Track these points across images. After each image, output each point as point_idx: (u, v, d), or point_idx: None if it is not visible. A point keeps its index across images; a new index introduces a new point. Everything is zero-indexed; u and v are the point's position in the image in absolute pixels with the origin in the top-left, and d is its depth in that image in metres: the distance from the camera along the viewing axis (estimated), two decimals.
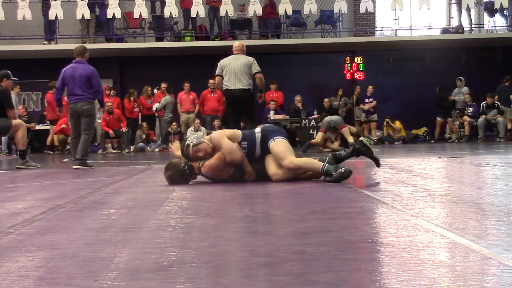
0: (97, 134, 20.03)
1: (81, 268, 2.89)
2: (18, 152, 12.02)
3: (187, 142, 6.90)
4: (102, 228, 4.01)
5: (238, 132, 7.10)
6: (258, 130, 7.14)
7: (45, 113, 20.49)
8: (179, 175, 6.88)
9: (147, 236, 3.72)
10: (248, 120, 11.82)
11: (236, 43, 12.31)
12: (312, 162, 7.01)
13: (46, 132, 20.19)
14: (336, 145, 15.64)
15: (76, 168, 10.64)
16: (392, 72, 22.86)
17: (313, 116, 19.31)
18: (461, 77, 21.40)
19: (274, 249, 3.22)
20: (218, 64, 11.69)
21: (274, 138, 6.99)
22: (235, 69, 11.59)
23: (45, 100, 20.07)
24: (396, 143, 20.18)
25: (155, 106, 20.10)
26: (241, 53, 11.81)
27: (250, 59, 11.76)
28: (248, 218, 4.34)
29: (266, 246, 3.30)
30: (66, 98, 12.41)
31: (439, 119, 21.02)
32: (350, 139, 15.39)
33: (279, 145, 6.95)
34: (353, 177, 6.93)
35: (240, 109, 11.66)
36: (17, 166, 11.42)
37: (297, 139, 20.06)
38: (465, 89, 21.22)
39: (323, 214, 4.43)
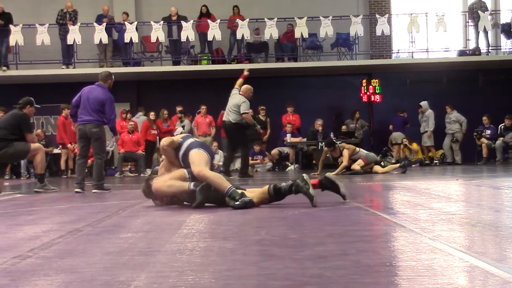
0: (115, 157, 20.13)
1: None
2: (36, 176, 12.07)
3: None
4: (120, 252, 4.02)
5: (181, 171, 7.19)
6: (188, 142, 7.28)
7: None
8: (149, 191, 7.19)
9: (165, 259, 3.72)
10: (241, 146, 15.15)
11: (245, 86, 14.97)
12: (221, 181, 6.93)
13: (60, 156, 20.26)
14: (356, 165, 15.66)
15: (94, 192, 10.68)
16: (408, 94, 22.83)
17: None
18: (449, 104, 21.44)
19: (291, 273, 3.21)
20: None
21: (198, 149, 7.11)
22: (229, 105, 14.92)
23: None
24: (413, 165, 20.10)
25: (179, 130, 20.17)
26: (240, 93, 14.77)
27: (241, 100, 14.67)
28: (265, 241, 4.33)
29: (283, 270, 3.29)
30: None
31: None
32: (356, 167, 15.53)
33: (198, 155, 7.06)
34: (370, 200, 6.89)
35: (231, 137, 15.19)
36: (35, 189, 11.48)
37: (313, 161, 20.06)
38: (455, 115, 21.23)
39: (341, 237, 4.42)
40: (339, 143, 16.70)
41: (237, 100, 14.76)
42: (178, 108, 20.57)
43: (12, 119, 11.50)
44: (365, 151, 16.29)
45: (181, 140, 7.32)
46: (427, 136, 21.22)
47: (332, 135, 20.23)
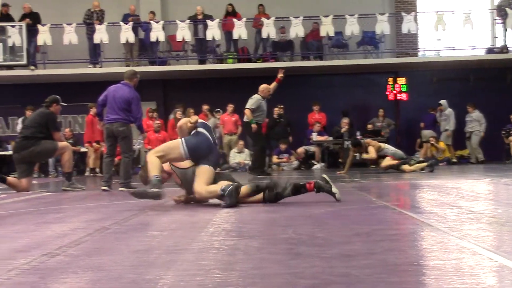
0: (141, 156, 20.22)
1: None
2: (64, 174, 12.16)
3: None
4: (147, 250, 4.04)
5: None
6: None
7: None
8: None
9: (192, 258, 3.73)
10: (253, 143, 15.71)
11: (262, 85, 14.91)
12: (213, 190, 7.04)
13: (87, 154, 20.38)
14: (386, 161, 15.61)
15: (121, 190, 10.73)
16: (435, 93, 22.66)
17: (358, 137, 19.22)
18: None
19: (318, 272, 3.20)
20: None
21: (206, 164, 7.13)
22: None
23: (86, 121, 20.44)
24: (440, 164, 19.96)
25: None
26: (258, 93, 14.77)
27: (251, 97, 14.82)
28: (292, 240, 4.33)
29: (310, 269, 3.29)
30: None
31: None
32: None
33: (206, 172, 7.12)
34: (397, 198, 6.87)
35: (248, 135, 16.03)
36: (63, 188, 11.57)
37: (339, 160, 20.01)
38: (476, 115, 21.12)
39: (368, 236, 4.41)
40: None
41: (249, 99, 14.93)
42: (205, 107, 20.60)
43: (39, 118, 11.59)
44: (392, 148, 16.20)
45: (197, 126, 7.36)
46: (447, 135, 21.10)
47: (358, 133, 20.15)
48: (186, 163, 7.31)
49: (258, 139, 15.02)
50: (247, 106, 14.72)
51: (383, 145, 16.13)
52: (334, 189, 7.03)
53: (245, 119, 14.96)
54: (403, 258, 3.56)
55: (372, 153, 15.75)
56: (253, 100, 14.69)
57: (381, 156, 15.80)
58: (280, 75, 14.91)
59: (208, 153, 7.20)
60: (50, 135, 11.47)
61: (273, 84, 14.93)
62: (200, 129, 7.30)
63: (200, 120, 7.53)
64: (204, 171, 7.12)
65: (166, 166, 7.39)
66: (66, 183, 11.61)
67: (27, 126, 11.72)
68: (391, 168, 15.44)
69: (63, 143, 11.85)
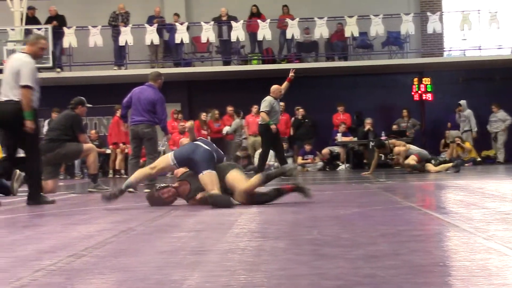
0: None
1: None
2: (89, 176, 12.23)
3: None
4: (172, 251, 4.05)
5: None
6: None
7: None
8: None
9: (217, 259, 3.74)
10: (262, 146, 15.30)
11: (273, 86, 14.79)
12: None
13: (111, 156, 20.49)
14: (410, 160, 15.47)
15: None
16: (461, 93, 22.51)
17: (382, 138, 19.14)
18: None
19: (343, 273, 3.20)
20: None
21: (208, 169, 7.37)
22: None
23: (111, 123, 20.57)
24: (466, 164, 19.82)
25: (226, 129, 20.23)
26: (270, 94, 14.66)
27: (263, 100, 14.65)
28: (317, 241, 4.32)
29: (335, 270, 3.28)
30: None
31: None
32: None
33: (209, 177, 7.37)
34: (422, 199, 6.84)
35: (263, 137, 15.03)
36: (89, 189, 11.64)
37: (364, 161, 19.95)
38: (502, 114, 20.97)
39: (393, 237, 4.39)
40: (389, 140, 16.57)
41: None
42: (229, 108, 20.64)
43: (64, 120, 11.65)
44: (417, 148, 16.11)
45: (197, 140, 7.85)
46: (472, 137, 20.96)
47: (383, 134, 20.07)
48: (181, 170, 7.99)
49: (269, 143, 14.76)
50: (261, 109, 14.58)
51: (408, 145, 16.03)
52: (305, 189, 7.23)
53: (260, 121, 14.80)
54: (429, 259, 3.54)
55: (411, 160, 15.55)
56: (266, 102, 14.52)
57: (406, 156, 15.69)
58: (291, 74, 14.81)
59: (204, 160, 7.44)
60: (76, 137, 11.53)
61: (285, 84, 14.74)
62: (198, 142, 7.74)
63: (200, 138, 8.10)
64: (207, 179, 7.36)
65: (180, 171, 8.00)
66: (92, 185, 11.68)
67: (52, 128, 11.79)
68: (415, 170, 15.26)
69: (88, 145, 11.88)
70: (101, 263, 3.72)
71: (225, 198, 7.13)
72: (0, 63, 20.39)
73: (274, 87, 14.62)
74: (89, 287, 3.04)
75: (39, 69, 21.71)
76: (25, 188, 11.47)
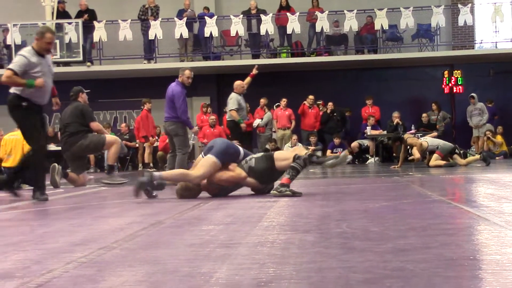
0: (196, 151, 20.33)
1: (182, 283, 2.94)
2: (107, 166, 12.02)
3: None
4: (201, 244, 4.07)
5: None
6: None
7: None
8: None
9: (246, 252, 3.75)
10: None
11: (236, 82, 14.38)
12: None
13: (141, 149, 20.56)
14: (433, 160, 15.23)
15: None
16: (492, 86, 22.32)
17: (410, 132, 19.03)
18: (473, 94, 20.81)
19: (372, 266, 3.19)
20: None
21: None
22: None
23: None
24: (497, 158, 19.65)
25: (257, 121, 20.23)
26: (234, 91, 14.18)
27: (229, 97, 14.24)
28: (346, 234, 4.31)
29: (364, 263, 3.28)
30: None
31: None
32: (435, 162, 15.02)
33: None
34: (452, 193, 6.80)
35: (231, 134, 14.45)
36: (102, 181, 11.45)
37: (394, 154, 19.83)
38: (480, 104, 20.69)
39: (423, 231, 4.37)
40: (419, 135, 16.40)
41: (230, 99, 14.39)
42: (262, 100, 20.62)
43: (75, 111, 11.61)
44: (436, 142, 15.72)
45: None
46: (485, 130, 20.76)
47: (412, 127, 19.97)
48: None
49: (243, 138, 14.28)
50: (230, 108, 14.16)
51: (424, 142, 15.61)
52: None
53: (228, 117, 14.47)
54: (459, 253, 3.52)
55: (416, 154, 15.46)
56: (233, 100, 14.11)
57: (430, 151, 15.38)
58: (254, 71, 14.70)
59: (219, 147, 7.82)
60: (90, 129, 11.53)
61: (247, 79, 14.46)
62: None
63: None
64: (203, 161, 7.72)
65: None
66: (106, 176, 11.56)
67: (68, 123, 11.69)
68: (441, 167, 14.87)
69: (112, 137, 11.84)
70: (131, 255, 3.75)
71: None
72: None
73: (237, 83, 14.29)
74: (119, 279, 3.06)
75: (70, 63, 22.00)
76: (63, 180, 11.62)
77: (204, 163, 7.69)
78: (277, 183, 7.60)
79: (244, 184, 7.84)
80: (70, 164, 11.72)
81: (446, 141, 16.02)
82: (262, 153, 8.30)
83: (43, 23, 21.27)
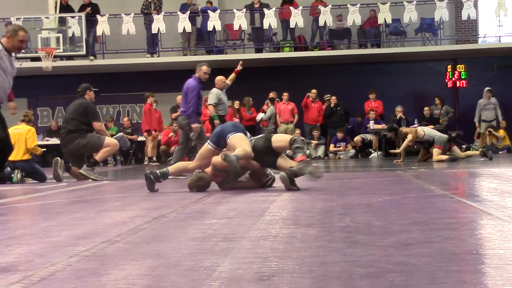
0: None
1: (185, 277, 2.94)
2: (91, 159, 11.71)
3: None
4: (204, 238, 4.07)
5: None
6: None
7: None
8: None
9: (249, 245, 3.75)
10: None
11: (217, 77, 14.01)
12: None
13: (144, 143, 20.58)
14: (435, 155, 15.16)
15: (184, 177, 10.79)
16: (495, 80, 22.29)
17: (413, 126, 19.01)
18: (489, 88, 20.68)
19: (375, 260, 3.19)
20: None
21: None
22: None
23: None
24: (500, 152, 19.64)
25: (261, 115, 20.23)
26: (216, 86, 13.86)
27: (210, 92, 13.90)
28: (349, 228, 4.31)
29: (367, 257, 3.28)
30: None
31: None
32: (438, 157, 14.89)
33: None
34: (455, 187, 6.79)
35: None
36: (80, 171, 11.37)
37: (396, 148, 19.82)
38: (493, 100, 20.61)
39: (426, 225, 4.36)
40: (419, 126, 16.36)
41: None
42: (271, 95, 20.63)
43: (79, 108, 11.58)
44: (433, 133, 15.66)
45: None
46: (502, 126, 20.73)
47: (415, 121, 19.96)
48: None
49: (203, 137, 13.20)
50: (209, 102, 13.82)
51: (420, 131, 15.55)
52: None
53: (210, 113, 14.16)
54: (462, 247, 3.52)
55: (409, 138, 15.29)
56: (213, 95, 13.78)
57: (429, 143, 15.25)
58: (239, 67, 14.56)
59: (229, 126, 8.14)
60: (92, 128, 11.47)
61: (232, 76, 14.24)
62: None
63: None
64: (234, 140, 7.76)
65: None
66: (85, 168, 11.39)
67: (68, 119, 11.66)
68: (443, 162, 14.81)
69: (111, 141, 11.72)
70: (134, 249, 3.75)
71: (235, 164, 7.33)
72: (35, 51, 20.62)
73: (218, 78, 13.94)
74: (122, 273, 3.07)
75: (73, 57, 21.98)
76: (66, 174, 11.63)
77: (199, 152, 8.12)
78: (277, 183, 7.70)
79: (248, 167, 7.81)
80: (70, 159, 11.71)
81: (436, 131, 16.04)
82: (261, 135, 8.43)
83: (46, 17, 21.32)
